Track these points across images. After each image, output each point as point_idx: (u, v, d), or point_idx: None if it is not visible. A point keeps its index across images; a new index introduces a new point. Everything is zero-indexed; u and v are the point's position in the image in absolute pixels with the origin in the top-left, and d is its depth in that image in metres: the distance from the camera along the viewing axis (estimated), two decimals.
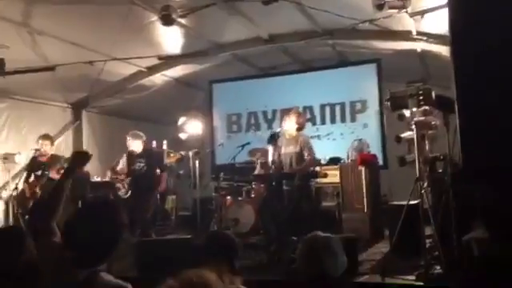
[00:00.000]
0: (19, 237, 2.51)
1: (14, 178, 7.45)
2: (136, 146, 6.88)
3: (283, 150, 6.05)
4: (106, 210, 2.21)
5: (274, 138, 6.53)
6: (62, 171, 6.38)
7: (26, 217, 6.32)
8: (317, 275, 2.21)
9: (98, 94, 9.12)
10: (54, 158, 6.49)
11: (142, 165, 6.82)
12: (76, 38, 6.86)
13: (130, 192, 7.64)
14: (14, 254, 2.40)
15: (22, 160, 7.61)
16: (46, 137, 6.80)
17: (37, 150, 6.61)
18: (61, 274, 2.02)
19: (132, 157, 6.89)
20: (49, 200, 2.37)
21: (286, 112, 6.44)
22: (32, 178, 6.53)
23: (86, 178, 8.91)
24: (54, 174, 6.34)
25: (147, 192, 6.90)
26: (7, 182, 7.46)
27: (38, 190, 6.28)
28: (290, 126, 6.01)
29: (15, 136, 8.07)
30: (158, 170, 7.15)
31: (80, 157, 2.62)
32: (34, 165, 6.53)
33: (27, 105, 8.39)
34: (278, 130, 6.25)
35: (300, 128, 6.05)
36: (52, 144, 6.63)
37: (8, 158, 7.68)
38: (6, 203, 7.28)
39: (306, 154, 5.87)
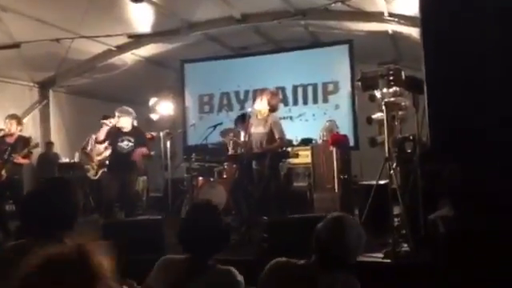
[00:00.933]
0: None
1: None
2: (125, 122, 6.28)
3: (253, 130, 6.00)
4: (59, 188, 2.26)
5: (240, 119, 6.53)
6: (29, 157, 6.26)
7: None
8: (338, 256, 2.19)
9: (65, 72, 8.90)
10: (21, 140, 6.31)
11: (130, 144, 6.21)
12: (42, 15, 6.66)
13: (102, 171, 7.51)
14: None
15: None
16: (12, 116, 6.60)
17: (1, 129, 6.42)
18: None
19: (119, 134, 6.26)
20: None
21: (259, 92, 6.35)
22: None
23: (54, 160, 8.78)
24: (19, 159, 6.17)
25: (131, 172, 6.31)
26: None
27: (3, 172, 6.10)
28: (261, 106, 5.95)
29: None
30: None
31: None
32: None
33: None
34: (249, 109, 6.22)
35: (272, 109, 5.98)
36: (19, 124, 6.43)
37: None
38: None
39: (276, 135, 5.84)
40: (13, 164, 6.12)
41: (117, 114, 6.29)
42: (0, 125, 6.77)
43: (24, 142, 6.30)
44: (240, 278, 2.24)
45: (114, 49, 8.61)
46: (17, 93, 8.72)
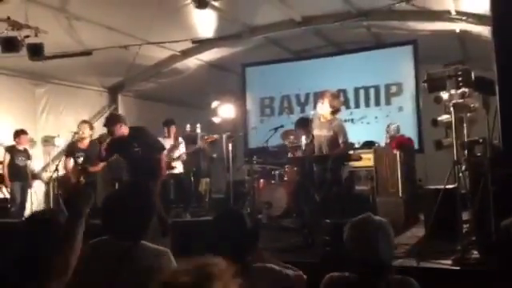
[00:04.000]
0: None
1: (53, 160, 7.70)
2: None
3: (316, 133, 5.97)
4: (141, 190, 2.43)
5: (300, 123, 6.51)
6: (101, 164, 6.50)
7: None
8: (367, 259, 2.15)
9: (133, 77, 9.27)
10: (94, 146, 6.59)
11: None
12: (111, 23, 6.97)
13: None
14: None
15: (61, 143, 7.85)
16: (84, 121, 6.96)
17: (75, 133, 6.79)
18: (100, 249, 2.21)
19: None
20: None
21: (320, 95, 6.31)
22: (71, 163, 6.61)
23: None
24: (93, 168, 6.48)
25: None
26: (48, 164, 7.71)
27: (82, 178, 6.45)
28: (324, 109, 5.90)
29: (54, 119, 8.32)
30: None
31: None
32: (72, 150, 6.68)
33: (65, 89, 8.62)
34: (312, 112, 6.20)
35: (334, 111, 5.91)
36: (91, 128, 6.75)
37: (48, 140, 7.94)
38: (47, 184, 7.52)
39: (340, 139, 5.79)
40: (89, 171, 6.46)
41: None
42: (73, 128, 7.16)
43: (95, 148, 6.60)
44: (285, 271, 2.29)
45: (178, 54, 8.86)
46: (88, 98, 9.17)
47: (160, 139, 7.60)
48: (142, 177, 5.44)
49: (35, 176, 7.60)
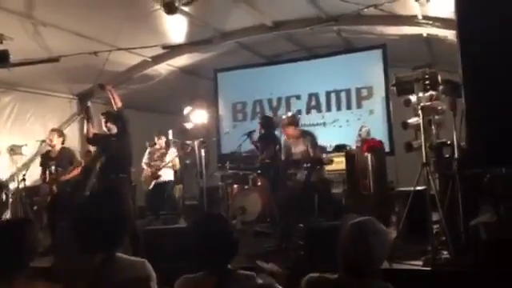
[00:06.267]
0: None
1: (21, 169, 7.51)
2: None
3: (293, 150, 6.35)
4: (116, 197, 2.29)
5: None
6: (74, 170, 6.43)
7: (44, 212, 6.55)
8: (363, 261, 2.15)
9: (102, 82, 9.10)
10: (64, 153, 6.50)
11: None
12: (80, 29, 6.84)
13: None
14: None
15: (29, 152, 7.66)
16: (53, 130, 6.81)
17: (43, 141, 6.63)
18: (76, 259, 2.13)
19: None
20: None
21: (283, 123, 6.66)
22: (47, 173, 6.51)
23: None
24: (67, 175, 6.37)
25: None
26: (15, 174, 7.51)
27: (54, 187, 6.32)
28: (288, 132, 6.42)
29: (20, 128, 8.11)
30: None
31: None
32: (46, 160, 6.54)
33: (32, 96, 8.42)
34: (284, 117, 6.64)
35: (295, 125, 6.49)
36: (59, 136, 6.61)
37: (15, 149, 7.73)
38: (14, 194, 7.32)
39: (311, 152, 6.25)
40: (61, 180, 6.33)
41: None
42: (41, 136, 7.00)
43: (68, 157, 6.49)
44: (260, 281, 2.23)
45: (149, 60, 8.77)
46: (56, 105, 8.97)
47: (148, 148, 7.69)
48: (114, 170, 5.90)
49: (1, 186, 7.40)
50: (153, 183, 7.63)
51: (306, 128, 7.21)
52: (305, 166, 6.04)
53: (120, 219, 2.20)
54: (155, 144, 7.96)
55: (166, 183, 7.77)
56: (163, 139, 8.01)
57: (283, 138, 6.71)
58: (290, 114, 6.82)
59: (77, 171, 6.49)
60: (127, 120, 6.11)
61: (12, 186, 7.49)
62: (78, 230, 2.16)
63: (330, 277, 2.21)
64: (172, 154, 7.85)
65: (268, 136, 6.97)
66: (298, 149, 6.33)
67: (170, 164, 7.74)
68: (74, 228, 2.18)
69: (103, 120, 6.14)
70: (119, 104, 6.08)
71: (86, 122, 6.32)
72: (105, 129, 6.13)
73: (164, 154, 7.84)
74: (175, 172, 8.01)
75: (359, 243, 2.13)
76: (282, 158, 6.52)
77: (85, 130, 6.49)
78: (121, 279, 2.02)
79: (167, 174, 7.80)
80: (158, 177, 7.64)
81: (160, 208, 7.64)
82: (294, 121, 6.57)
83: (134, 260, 2.17)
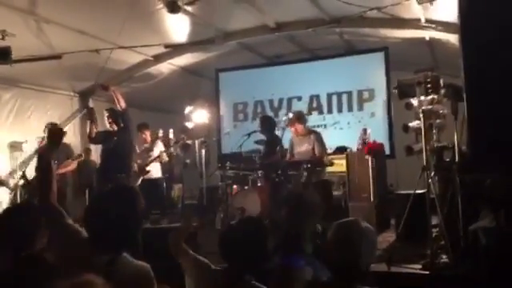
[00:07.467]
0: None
1: (21, 166, 7.51)
2: None
3: (298, 149, 6.40)
4: (128, 196, 2.22)
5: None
6: (70, 165, 6.41)
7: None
8: (349, 263, 2.14)
9: (104, 82, 9.10)
10: (61, 149, 6.49)
11: None
12: (82, 26, 6.83)
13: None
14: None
15: (29, 148, 7.66)
16: (50, 124, 6.79)
17: (42, 138, 6.63)
18: (82, 258, 2.06)
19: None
20: (42, 179, 2.38)
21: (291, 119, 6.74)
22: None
23: (92, 167, 8.98)
24: (61, 169, 6.34)
25: None
26: (14, 170, 7.51)
27: None
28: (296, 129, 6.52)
29: (21, 124, 8.10)
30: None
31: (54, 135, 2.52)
32: None
33: (34, 93, 8.40)
34: (284, 118, 6.87)
35: (303, 123, 6.59)
36: None
37: (15, 146, 7.73)
38: (14, 191, 7.32)
39: (316, 151, 6.31)
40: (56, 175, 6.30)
41: None
42: (41, 133, 6.99)
43: (65, 151, 6.48)
44: None
45: (150, 59, 8.77)
46: (58, 102, 8.96)
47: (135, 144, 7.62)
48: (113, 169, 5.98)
49: (1, 182, 7.40)
50: (139, 180, 7.56)
51: None
52: (305, 167, 6.02)
53: (135, 219, 2.18)
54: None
55: (155, 180, 7.68)
56: (147, 133, 7.87)
57: (290, 135, 6.76)
58: (290, 114, 6.82)
59: (73, 165, 6.48)
60: (130, 119, 6.12)
61: (12, 182, 7.48)
62: (91, 229, 2.14)
63: (321, 280, 2.21)
64: (159, 148, 7.73)
65: (268, 136, 6.95)
66: (303, 147, 6.40)
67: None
68: (87, 227, 2.15)
69: (106, 115, 6.18)
70: (123, 105, 6.10)
71: (89, 122, 6.34)
72: (108, 125, 6.16)
73: (149, 149, 7.72)
74: (162, 164, 7.81)
75: (343, 244, 2.13)
76: (287, 156, 6.59)
77: (87, 130, 6.50)
78: (124, 281, 1.99)
79: (155, 170, 7.69)
80: (146, 172, 7.49)
81: (147, 207, 7.58)
82: (301, 117, 6.67)
83: (137, 265, 2.15)
